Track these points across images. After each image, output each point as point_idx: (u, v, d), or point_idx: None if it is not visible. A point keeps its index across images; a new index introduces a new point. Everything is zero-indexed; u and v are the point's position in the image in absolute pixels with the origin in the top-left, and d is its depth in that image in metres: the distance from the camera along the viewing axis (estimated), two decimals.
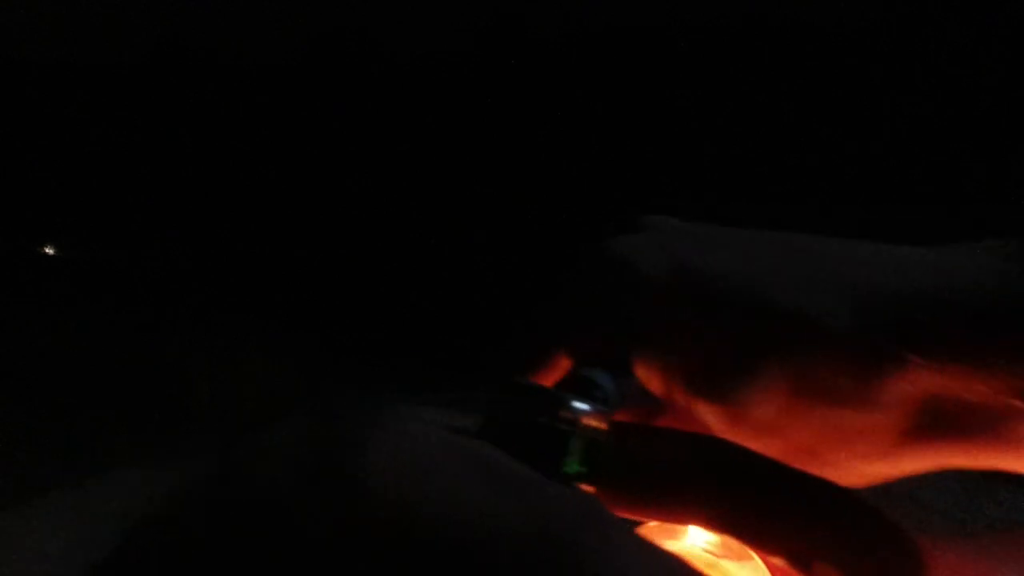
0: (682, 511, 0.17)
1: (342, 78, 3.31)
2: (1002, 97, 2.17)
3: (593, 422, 0.16)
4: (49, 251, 3.52)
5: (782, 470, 0.16)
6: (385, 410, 0.15)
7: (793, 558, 0.15)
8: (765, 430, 0.19)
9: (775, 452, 0.18)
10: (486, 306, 2.53)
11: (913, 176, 2.29)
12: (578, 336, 0.21)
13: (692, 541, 0.23)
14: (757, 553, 0.15)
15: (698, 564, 0.24)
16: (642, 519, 0.18)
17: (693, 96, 2.68)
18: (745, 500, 0.16)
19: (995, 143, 2.21)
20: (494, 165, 2.91)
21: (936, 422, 0.18)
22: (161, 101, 3.18)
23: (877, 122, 2.36)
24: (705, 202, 2.61)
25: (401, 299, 2.51)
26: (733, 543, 0.23)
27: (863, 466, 0.20)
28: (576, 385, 0.19)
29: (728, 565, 0.23)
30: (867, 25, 2.41)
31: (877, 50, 2.37)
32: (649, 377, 0.20)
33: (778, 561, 0.15)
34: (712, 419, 0.20)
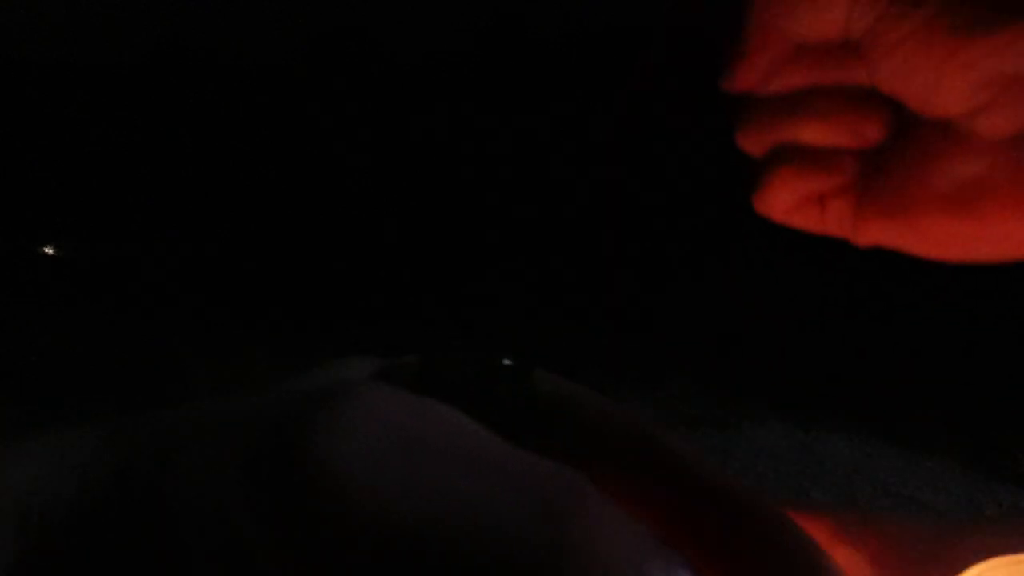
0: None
1: (342, 78, 3.31)
2: None
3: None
4: (49, 251, 3.51)
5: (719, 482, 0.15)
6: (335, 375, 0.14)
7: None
8: None
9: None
10: (490, 303, 2.53)
11: None
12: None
13: None
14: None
15: None
16: None
17: (688, 96, 2.67)
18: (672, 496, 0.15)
19: None
20: (494, 165, 2.91)
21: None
22: (161, 101, 3.18)
23: None
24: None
25: (404, 299, 2.50)
26: None
27: None
28: None
29: None
30: None
31: None
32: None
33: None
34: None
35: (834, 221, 0.29)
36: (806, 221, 0.30)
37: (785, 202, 0.30)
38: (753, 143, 0.31)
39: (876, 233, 0.28)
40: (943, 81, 0.25)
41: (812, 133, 0.29)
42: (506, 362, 0.16)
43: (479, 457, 0.12)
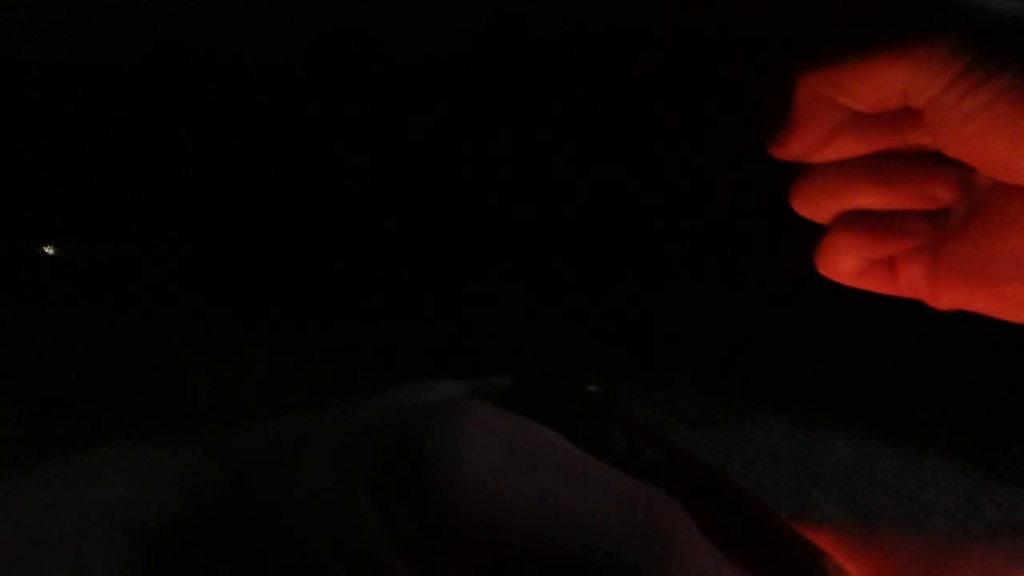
0: None
1: (342, 78, 3.31)
2: None
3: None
4: (49, 251, 3.51)
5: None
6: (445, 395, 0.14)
7: None
8: None
9: None
10: (490, 304, 2.52)
11: None
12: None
13: None
14: None
15: None
16: None
17: (689, 96, 2.67)
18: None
19: None
20: (494, 165, 2.91)
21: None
22: (161, 101, 3.18)
23: None
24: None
25: (405, 298, 2.51)
26: None
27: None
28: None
29: None
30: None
31: None
32: None
33: None
34: None
35: (907, 285, 0.28)
36: (876, 285, 0.29)
37: (852, 267, 0.28)
38: (811, 211, 0.29)
39: (954, 298, 0.27)
40: (1021, 151, 0.25)
41: (876, 199, 0.27)
42: (591, 388, 0.17)
43: (584, 474, 0.12)
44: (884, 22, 0.22)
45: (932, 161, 0.27)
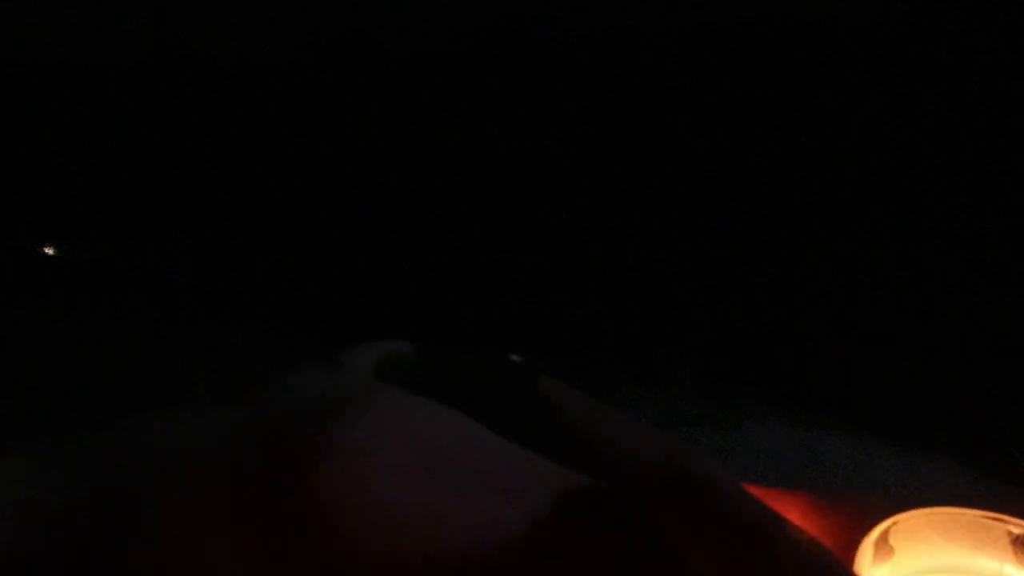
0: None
1: (342, 80, 3.30)
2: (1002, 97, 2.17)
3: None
4: (49, 251, 3.51)
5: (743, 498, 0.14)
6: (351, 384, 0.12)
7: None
8: None
9: None
10: (500, 309, 2.52)
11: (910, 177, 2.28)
12: None
13: None
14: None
15: None
16: None
17: (690, 96, 2.68)
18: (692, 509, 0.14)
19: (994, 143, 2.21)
20: (494, 165, 2.91)
21: None
22: (161, 101, 3.17)
23: (876, 124, 2.35)
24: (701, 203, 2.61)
25: (404, 299, 2.50)
26: None
27: None
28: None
29: None
30: (867, 25, 2.40)
31: (878, 51, 2.37)
32: None
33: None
34: None
35: None
36: None
37: None
38: None
39: None
40: None
41: None
42: (514, 358, 0.15)
43: (504, 474, 0.11)
44: None
45: None
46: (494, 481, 0.11)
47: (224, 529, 0.10)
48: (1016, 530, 0.18)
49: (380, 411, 0.11)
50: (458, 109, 2.83)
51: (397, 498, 0.10)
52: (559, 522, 0.10)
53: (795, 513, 0.22)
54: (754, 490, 0.24)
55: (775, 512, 0.13)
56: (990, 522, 0.18)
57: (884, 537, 0.18)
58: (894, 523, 0.18)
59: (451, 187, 2.84)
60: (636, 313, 2.53)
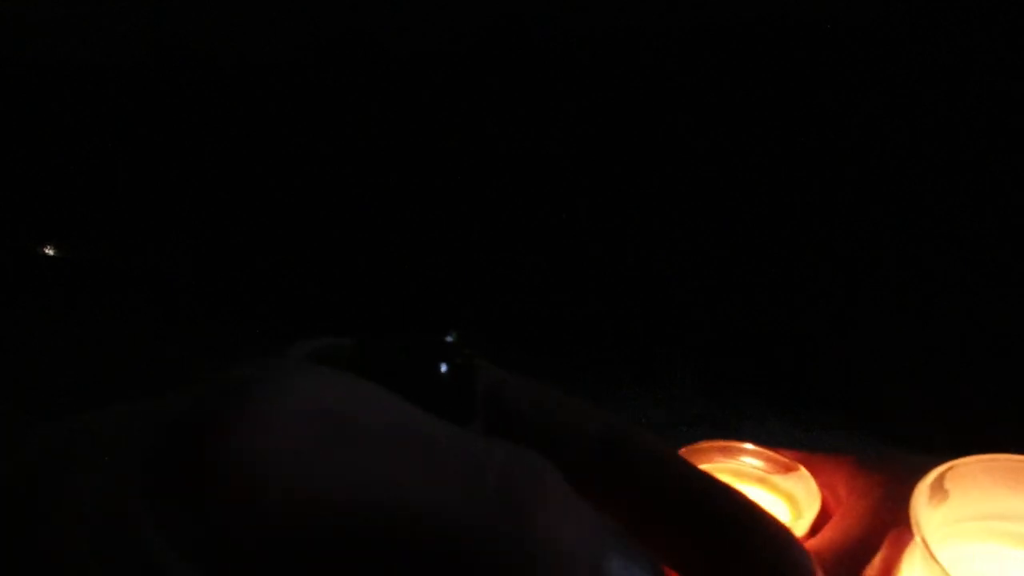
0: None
1: (342, 80, 3.31)
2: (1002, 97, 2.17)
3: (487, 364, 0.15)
4: (49, 251, 3.51)
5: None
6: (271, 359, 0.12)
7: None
8: None
9: None
10: (500, 309, 2.52)
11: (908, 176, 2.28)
12: None
13: (745, 460, 0.25)
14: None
15: (749, 480, 0.25)
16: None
17: (690, 96, 2.68)
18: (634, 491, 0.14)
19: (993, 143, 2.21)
20: (494, 165, 2.91)
21: None
22: (161, 101, 3.18)
23: (873, 123, 2.36)
24: (701, 202, 2.61)
25: (406, 299, 2.50)
26: (780, 458, 0.25)
27: None
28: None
29: (776, 479, 0.25)
30: (866, 24, 2.41)
31: (878, 50, 2.37)
32: None
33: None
34: None
35: None
36: None
37: None
38: None
39: None
40: None
41: None
42: (447, 339, 0.15)
43: (422, 441, 0.11)
44: None
45: None
46: (410, 444, 0.11)
47: (136, 502, 0.10)
48: None
49: (290, 379, 0.11)
50: (458, 109, 2.83)
51: (304, 457, 0.10)
52: (483, 482, 0.10)
53: (842, 474, 0.23)
54: (801, 455, 0.24)
55: (709, 474, 0.13)
56: None
57: (940, 481, 0.19)
58: (950, 467, 0.19)
59: (451, 187, 2.84)
60: (636, 313, 2.53)
